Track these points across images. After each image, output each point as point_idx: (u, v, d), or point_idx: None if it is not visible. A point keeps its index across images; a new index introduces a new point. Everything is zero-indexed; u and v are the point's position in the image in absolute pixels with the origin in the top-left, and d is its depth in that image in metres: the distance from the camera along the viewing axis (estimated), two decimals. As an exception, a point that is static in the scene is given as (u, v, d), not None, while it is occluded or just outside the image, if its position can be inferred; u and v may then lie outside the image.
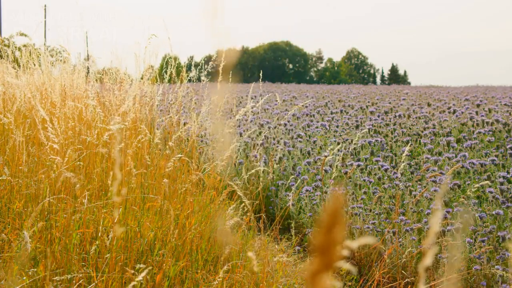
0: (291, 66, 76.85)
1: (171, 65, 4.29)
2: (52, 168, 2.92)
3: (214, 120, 8.29)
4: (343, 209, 0.61)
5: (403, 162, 3.91)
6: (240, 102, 11.99)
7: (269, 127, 7.74)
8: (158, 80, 4.58)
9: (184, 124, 5.15)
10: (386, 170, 5.49)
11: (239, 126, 8.24)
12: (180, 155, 3.10)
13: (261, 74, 5.85)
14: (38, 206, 2.26)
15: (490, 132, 6.47)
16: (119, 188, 3.10)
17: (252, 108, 8.50)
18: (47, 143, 2.72)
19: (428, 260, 0.71)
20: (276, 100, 11.45)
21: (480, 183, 3.40)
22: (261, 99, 3.95)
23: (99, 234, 2.59)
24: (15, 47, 4.98)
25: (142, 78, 4.23)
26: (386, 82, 70.74)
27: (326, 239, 0.59)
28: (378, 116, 8.31)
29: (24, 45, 4.80)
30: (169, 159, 3.21)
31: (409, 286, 3.83)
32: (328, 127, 7.73)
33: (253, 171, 3.42)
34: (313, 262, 0.59)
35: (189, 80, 4.46)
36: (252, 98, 11.01)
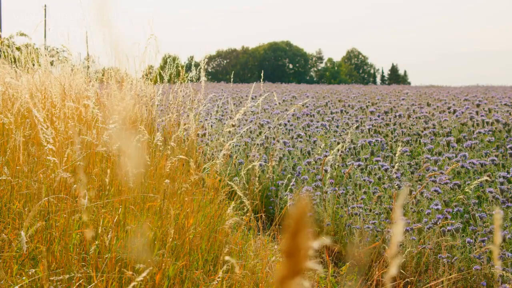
0: (291, 66, 76.85)
1: (170, 65, 4.29)
2: (52, 169, 2.92)
3: (214, 120, 8.29)
4: (308, 214, 0.61)
5: (397, 162, 3.91)
6: (240, 102, 11.99)
7: (269, 127, 7.74)
8: (158, 80, 4.58)
9: (184, 124, 5.16)
10: (386, 170, 5.49)
11: (239, 126, 8.24)
12: (180, 156, 3.10)
13: (262, 74, 5.85)
14: (36, 205, 2.26)
15: (490, 132, 6.47)
16: (119, 188, 3.11)
17: (251, 107, 8.49)
18: (46, 144, 2.72)
19: (393, 270, 0.72)
20: (275, 100, 11.44)
21: (479, 180, 3.40)
22: (261, 98, 3.94)
23: (99, 234, 2.59)
24: (15, 47, 4.98)
25: (142, 78, 4.23)
26: (386, 82, 70.74)
27: (293, 244, 0.59)
28: (378, 116, 8.31)
29: (24, 45, 4.81)
30: (169, 159, 3.21)
31: (409, 286, 3.83)
32: (328, 127, 7.73)
33: (249, 166, 3.42)
34: (281, 267, 0.60)
35: (189, 80, 4.46)
36: (252, 98, 11.01)
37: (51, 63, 4.69)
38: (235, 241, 3.32)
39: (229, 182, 3.11)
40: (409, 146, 6.54)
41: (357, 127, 7.73)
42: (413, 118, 7.97)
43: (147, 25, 4.03)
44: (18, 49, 4.84)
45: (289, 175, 6.00)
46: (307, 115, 8.85)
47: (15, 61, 4.94)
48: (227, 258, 1.88)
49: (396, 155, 3.71)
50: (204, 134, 7.24)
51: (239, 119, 8.41)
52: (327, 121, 8.33)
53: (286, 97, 11.92)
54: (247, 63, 74.08)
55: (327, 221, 4.89)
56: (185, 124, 4.03)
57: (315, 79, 75.04)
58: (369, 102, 11.00)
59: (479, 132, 6.40)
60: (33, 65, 4.70)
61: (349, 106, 9.93)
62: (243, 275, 2.88)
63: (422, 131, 7.03)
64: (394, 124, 7.65)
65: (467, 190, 3.47)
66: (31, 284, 2.37)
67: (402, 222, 0.69)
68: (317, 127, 7.71)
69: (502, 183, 4.67)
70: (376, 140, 6.57)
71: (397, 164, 3.75)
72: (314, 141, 7.03)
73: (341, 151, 6.20)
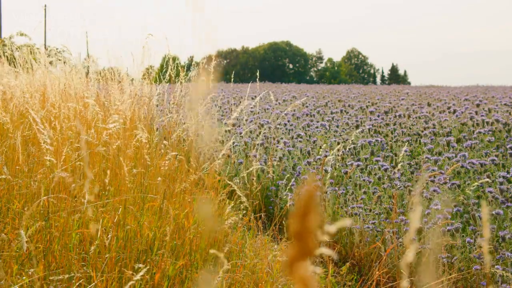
0: (291, 66, 76.83)
1: (170, 65, 4.29)
2: (51, 168, 2.92)
3: (214, 120, 8.29)
4: (317, 196, 0.61)
5: (400, 162, 3.91)
6: (240, 102, 11.98)
7: (269, 127, 7.74)
8: (158, 80, 4.58)
9: (184, 123, 5.16)
10: (386, 170, 5.48)
11: (239, 126, 8.24)
12: (174, 153, 3.10)
13: (258, 74, 5.87)
14: (34, 204, 2.26)
15: (490, 132, 6.46)
16: (119, 188, 3.11)
17: (251, 107, 8.49)
18: (43, 144, 2.72)
19: (410, 257, 0.71)
20: (277, 100, 11.45)
21: (480, 181, 3.40)
22: (258, 97, 3.95)
23: (99, 234, 2.59)
24: (15, 47, 4.98)
25: (142, 78, 4.23)
26: (386, 82, 70.74)
27: (302, 226, 0.59)
28: (378, 116, 8.31)
29: (24, 45, 4.80)
30: (165, 157, 3.21)
31: (409, 286, 3.83)
32: (328, 127, 7.73)
33: (251, 169, 3.42)
34: (290, 249, 0.60)
35: (189, 80, 4.46)
36: (252, 98, 11.01)
37: (51, 63, 4.69)
38: (234, 241, 3.32)
39: (228, 182, 3.11)
40: (409, 146, 6.54)
41: (357, 127, 7.73)
42: (413, 118, 7.96)
43: (147, 26, 4.03)
44: (18, 49, 4.84)
45: (289, 175, 6.00)
46: (307, 115, 8.85)
47: (15, 61, 4.94)
48: (212, 251, 1.88)
49: (400, 155, 3.71)
50: (204, 134, 7.23)
51: (239, 118, 8.41)
52: (327, 121, 8.33)
53: (286, 97, 11.93)
54: (247, 63, 74.06)
55: (327, 221, 4.89)
56: (184, 124, 4.03)
57: (315, 79, 75.01)
58: (369, 102, 11.00)
59: (479, 132, 6.40)
60: (32, 65, 4.70)
61: (349, 106, 9.93)
62: (243, 275, 2.88)
63: (422, 131, 7.03)
64: (394, 124, 7.64)
65: (467, 191, 3.47)
66: (31, 284, 2.37)
67: (420, 208, 0.69)
68: (317, 127, 7.71)
69: (502, 183, 4.66)
70: (376, 140, 6.57)
71: (400, 164, 3.75)
72: (314, 141, 7.03)
73: (341, 151, 6.19)
